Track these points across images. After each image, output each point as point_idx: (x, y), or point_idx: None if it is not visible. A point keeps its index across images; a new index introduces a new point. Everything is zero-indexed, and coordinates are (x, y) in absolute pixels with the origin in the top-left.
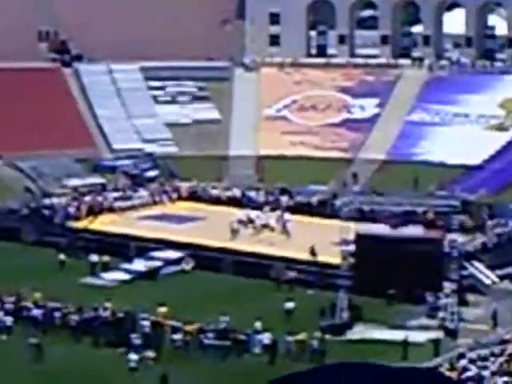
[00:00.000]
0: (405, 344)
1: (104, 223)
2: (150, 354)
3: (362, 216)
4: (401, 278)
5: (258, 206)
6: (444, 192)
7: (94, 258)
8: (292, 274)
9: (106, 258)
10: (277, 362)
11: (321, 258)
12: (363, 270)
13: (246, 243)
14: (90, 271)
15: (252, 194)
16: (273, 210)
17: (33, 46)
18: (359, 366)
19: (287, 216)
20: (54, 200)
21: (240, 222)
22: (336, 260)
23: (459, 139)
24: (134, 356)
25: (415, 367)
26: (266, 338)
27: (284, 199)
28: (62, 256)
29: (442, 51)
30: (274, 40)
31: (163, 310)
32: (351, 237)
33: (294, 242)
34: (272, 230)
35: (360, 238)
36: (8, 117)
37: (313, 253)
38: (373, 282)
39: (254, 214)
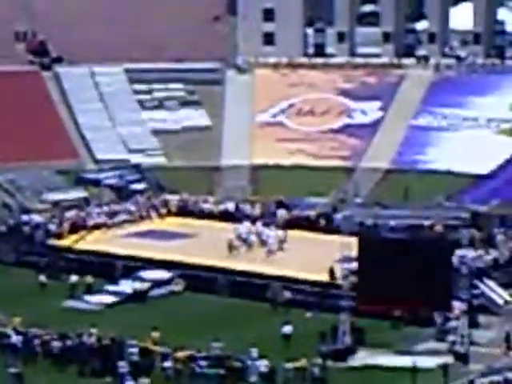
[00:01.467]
0: (413, 371)
1: (87, 241)
2: (145, 381)
3: (364, 230)
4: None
5: (253, 221)
6: (452, 203)
7: (74, 278)
8: (289, 295)
9: (89, 279)
10: None
11: (319, 277)
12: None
13: (242, 261)
14: (69, 294)
15: (245, 207)
16: (266, 224)
17: (9, 47)
18: None
19: (268, 231)
20: (34, 216)
21: (239, 238)
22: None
23: (468, 145)
24: (131, 383)
25: None
26: (263, 365)
27: (281, 213)
28: (42, 277)
29: (449, 49)
30: (269, 38)
31: (156, 334)
32: (353, 254)
33: (293, 260)
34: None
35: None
36: None
37: (332, 274)
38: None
39: (252, 229)
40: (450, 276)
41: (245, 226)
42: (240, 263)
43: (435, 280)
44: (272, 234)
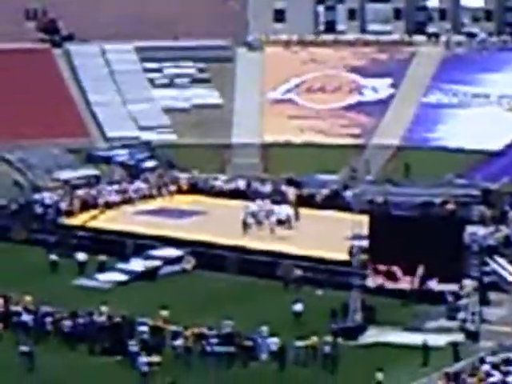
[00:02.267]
0: (425, 349)
1: (98, 219)
2: (156, 358)
3: (374, 208)
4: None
5: (264, 199)
6: (463, 180)
7: (81, 256)
8: (300, 273)
9: (101, 258)
10: (286, 370)
11: (332, 255)
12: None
13: (254, 239)
14: (78, 271)
15: (257, 185)
16: (277, 202)
17: (20, 25)
18: None
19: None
20: (45, 194)
21: (253, 215)
22: (347, 256)
23: (479, 122)
24: (143, 359)
25: None
26: (274, 343)
27: (291, 191)
28: (53, 256)
29: (460, 26)
30: (279, 16)
31: (165, 313)
32: (364, 231)
33: (303, 238)
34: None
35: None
36: None
37: (351, 253)
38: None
39: (264, 207)
40: (461, 253)
41: (256, 204)
42: (251, 241)
43: (446, 257)
44: (283, 211)
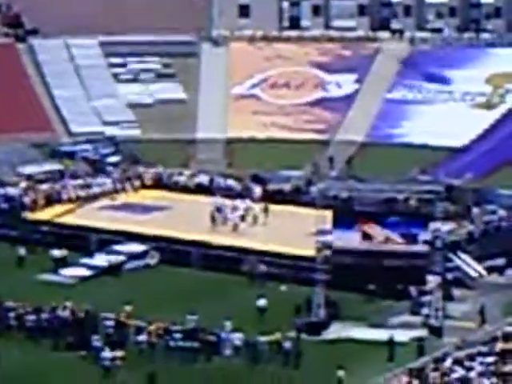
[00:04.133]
0: (391, 344)
1: (62, 214)
2: (119, 353)
3: (339, 204)
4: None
5: (228, 195)
6: (427, 177)
7: (56, 253)
8: (265, 268)
9: (64, 253)
10: (250, 365)
11: (295, 251)
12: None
13: (218, 234)
14: (53, 268)
15: (220, 180)
16: (242, 197)
17: None
18: None
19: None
20: (9, 189)
21: (218, 210)
22: (311, 252)
23: (443, 119)
24: (107, 354)
25: None
26: (238, 338)
27: (257, 188)
28: (21, 250)
29: (424, 22)
30: (244, 11)
31: (129, 308)
32: (328, 226)
33: (267, 233)
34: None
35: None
36: None
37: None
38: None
39: (228, 202)
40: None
41: (221, 200)
42: (216, 236)
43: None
44: (247, 207)
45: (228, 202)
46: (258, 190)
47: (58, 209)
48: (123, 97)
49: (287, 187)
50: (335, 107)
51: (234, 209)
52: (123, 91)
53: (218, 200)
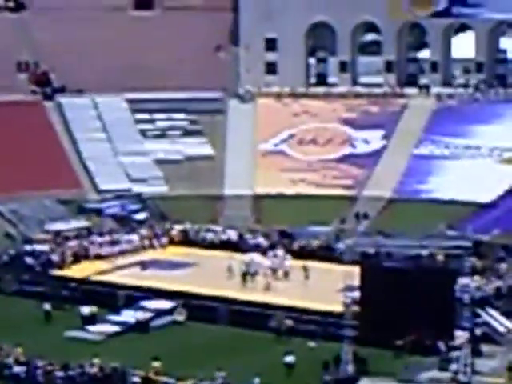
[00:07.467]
0: None
1: (89, 271)
2: None
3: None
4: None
5: (260, 251)
6: (454, 232)
7: (85, 310)
8: (291, 324)
9: (93, 309)
10: None
11: (323, 307)
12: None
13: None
14: (80, 324)
15: (248, 236)
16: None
17: (11, 77)
18: None
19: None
20: (36, 246)
21: (250, 267)
22: (339, 308)
23: (470, 174)
24: None
25: None
26: None
27: (285, 243)
28: (47, 306)
29: (451, 78)
30: (271, 68)
31: (157, 364)
32: (355, 283)
33: (295, 289)
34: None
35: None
36: None
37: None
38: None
39: (259, 258)
40: (453, 305)
41: (254, 256)
42: (243, 292)
43: (438, 309)
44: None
45: (260, 259)
46: (285, 246)
47: (89, 266)
48: (150, 153)
49: (315, 243)
50: (362, 163)
51: (265, 266)
52: (150, 148)
53: (250, 257)
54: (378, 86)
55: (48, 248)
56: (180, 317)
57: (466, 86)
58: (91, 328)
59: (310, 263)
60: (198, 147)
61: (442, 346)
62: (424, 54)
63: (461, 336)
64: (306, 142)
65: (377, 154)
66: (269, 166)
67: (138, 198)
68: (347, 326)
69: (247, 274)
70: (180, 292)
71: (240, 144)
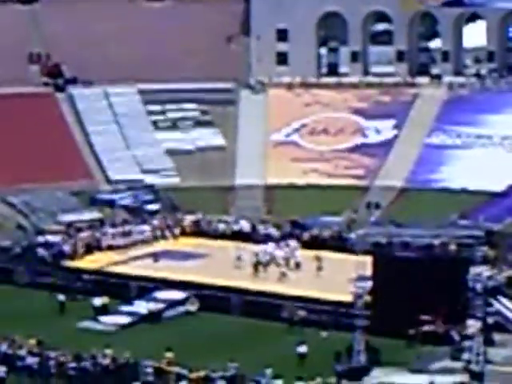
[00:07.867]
0: None
1: (102, 262)
2: None
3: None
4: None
5: (273, 241)
6: (466, 221)
7: (97, 301)
8: (303, 314)
9: (105, 300)
10: None
11: (335, 297)
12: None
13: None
14: (93, 315)
15: (260, 227)
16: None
17: (23, 69)
18: None
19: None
20: (48, 237)
21: (263, 257)
22: (351, 298)
23: (482, 163)
24: None
25: None
26: None
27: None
28: (61, 297)
29: (462, 67)
30: (282, 58)
31: (170, 355)
32: (367, 273)
33: (307, 279)
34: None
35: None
36: None
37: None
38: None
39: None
40: (465, 294)
41: (266, 247)
42: (255, 283)
43: (450, 298)
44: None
45: (273, 249)
46: (297, 236)
47: (101, 257)
48: (162, 144)
49: (327, 233)
50: (374, 153)
51: (278, 257)
52: (162, 139)
53: (264, 247)
54: (390, 75)
55: (60, 239)
56: (192, 307)
57: (477, 75)
58: (104, 319)
59: (322, 253)
60: (210, 138)
61: (454, 335)
62: (435, 43)
63: (473, 325)
64: (318, 132)
65: (388, 144)
66: (280, 156)
67: (150, 188)
68: (359, 316)
69: (259, 264)
70: (192, 282)
71: (251, 134)
